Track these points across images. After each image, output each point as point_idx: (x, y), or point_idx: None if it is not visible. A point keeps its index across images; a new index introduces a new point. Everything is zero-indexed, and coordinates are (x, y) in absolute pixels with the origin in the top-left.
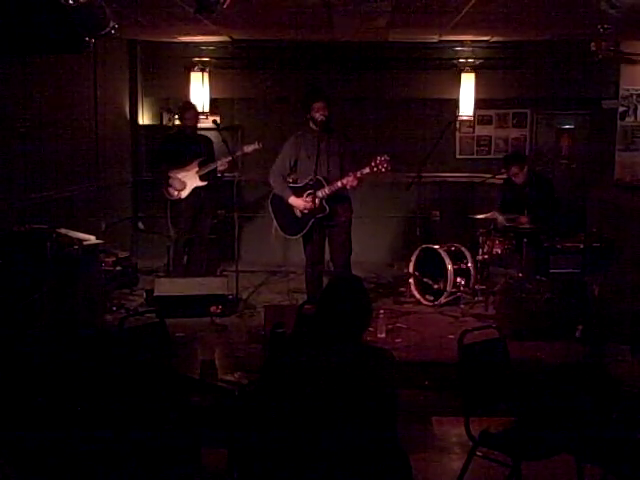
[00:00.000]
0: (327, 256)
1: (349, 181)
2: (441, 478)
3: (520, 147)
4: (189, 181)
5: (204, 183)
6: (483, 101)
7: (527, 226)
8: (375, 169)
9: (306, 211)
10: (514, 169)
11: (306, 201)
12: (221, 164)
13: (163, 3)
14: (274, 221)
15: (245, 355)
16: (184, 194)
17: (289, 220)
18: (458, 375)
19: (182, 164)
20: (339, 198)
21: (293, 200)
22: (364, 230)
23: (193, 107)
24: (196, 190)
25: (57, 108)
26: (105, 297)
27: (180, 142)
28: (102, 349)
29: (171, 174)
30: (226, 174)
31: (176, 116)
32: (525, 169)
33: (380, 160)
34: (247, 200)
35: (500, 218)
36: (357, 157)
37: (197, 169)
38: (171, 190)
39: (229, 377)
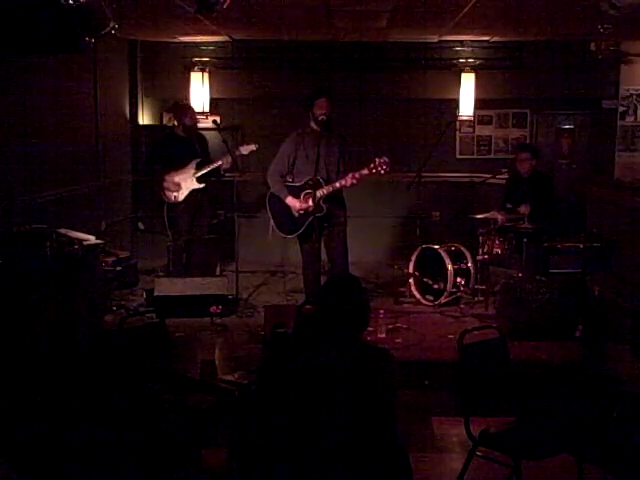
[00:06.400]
0: (324, 256)
1: (347, 182)
2: (441, 478)
3: None
4: (185, 183)
5: (201, 186)
6: (483, 101)
7: (527, 212)
8: (374, 171)
9: (302, 212)
10: (524, 155)
11: (302, 202)
12: (226, 162)
13: (163, 3)
14: (271, 220)
15: (245, 355)
16: (181, 197)
17: (286, 219)
18: (458, 375)
19: (178, 166)
20: (335, 199)
21: (290, 200)
22: (364, 230)
23: (191, 107)
24: (193, 192)
25: (57, 108)
26: (106, 297)
27: (174, 144)
28: (102, 349)
29: (166, 177)
30: (226, 174)
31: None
32: (534, 162)
33: (379, 162)
34: (247, 200)
35: (500, 216)
36: (356, 158)
37: (194, 171)
38: (167, 193)
39: (229, 377)
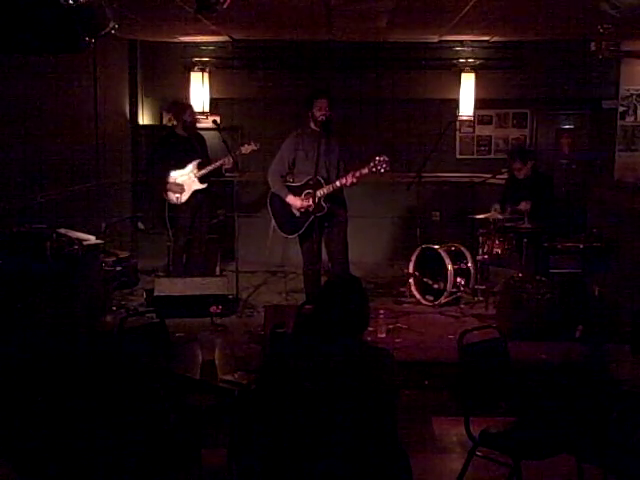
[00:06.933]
0: (325, 256)
1: (347, 181)
2: (441, 478)
3: (523, 144)
4: (188, 184)
5: (204, 186)
6: (483, 101)
7: (528, 209)
8: (374, 169)
9: (303, 210)
10: (516, 164)
11: (303, 200)
12: (228, 162)
13: (163, 3)
14: (272, 220)
15: (245, 355)
16: (184, 198)
17: (287, 219)
18: (458, 375)
19: (178, 167)
20: (336, 198)
21: (291, 199)
22: (364, 230)
23: (190, 105)
24: (195, 192)
25: (57, 108)
26: (106, 297)
27: (174, 145)
28: (102, 349)
29: (169, 178)
30: (227, 174)
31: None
32: (529, 165)
33: (379, 161)
34: (247, 200)
35: (496, 208)
36: (356, 158)
37: (196, 171)
38: (170, 195)
39: (229, 377)
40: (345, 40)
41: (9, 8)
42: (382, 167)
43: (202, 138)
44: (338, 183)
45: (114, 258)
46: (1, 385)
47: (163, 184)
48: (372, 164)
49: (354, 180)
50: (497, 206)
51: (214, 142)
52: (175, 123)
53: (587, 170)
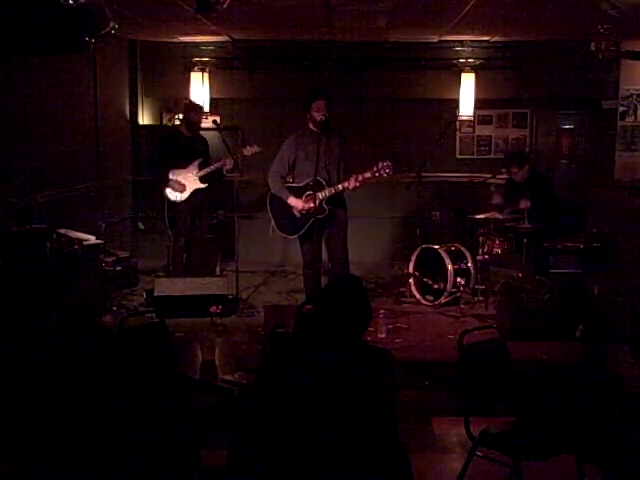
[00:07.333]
0: (325, 256)
1: (350, 184)
2: (441, 478)
3: (520, 147)
4: (189, 183)
5: (204, 185)
6: (483, 101)
7: (527, 206)
8: (377, 174)
9: (304, 212)
10: (513, 169)
11: (304, 202)
12: (229, 163)
13: (163, 3)
14: (272, 220)
15: (245, 355)
16: (184, 196)
17: (287, 220)
18: (458, 375)
19: (180, 165)
20: (336, 199)
21: (292, 201)
22: (364, 230)
23: (200, 106)
24: (195, 192)
25: (57, 108)
26: (106, 297)
27: (177, 143)
28: (102, 349)
29: (170, 176)
30: (228, 174)
31: (178, 116)
32: (526, 168)
33: (382, 165)
34: (247, 200)
35: (496, 195)
36: (356, 158)
37: (197, 170)
38: (171, 192)
39: (229, 377)
40: (345, 40)
41: (9, 8)
42: (385, 172)
43: (204, 140)
44: (340, 187)
45: (114, 258)
46: (1, 385)
47: (164, 181)
48: (375, 169)
49: (357, 184)
50: (498, 195)
51: (214, 142)
52: (177, 122)
53: (587, 170)
